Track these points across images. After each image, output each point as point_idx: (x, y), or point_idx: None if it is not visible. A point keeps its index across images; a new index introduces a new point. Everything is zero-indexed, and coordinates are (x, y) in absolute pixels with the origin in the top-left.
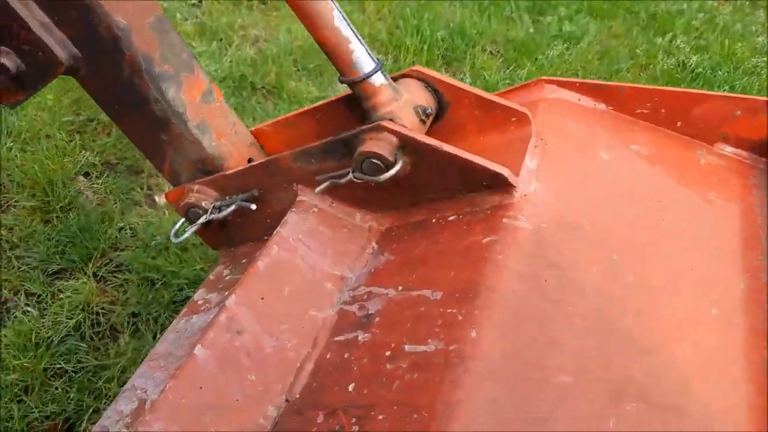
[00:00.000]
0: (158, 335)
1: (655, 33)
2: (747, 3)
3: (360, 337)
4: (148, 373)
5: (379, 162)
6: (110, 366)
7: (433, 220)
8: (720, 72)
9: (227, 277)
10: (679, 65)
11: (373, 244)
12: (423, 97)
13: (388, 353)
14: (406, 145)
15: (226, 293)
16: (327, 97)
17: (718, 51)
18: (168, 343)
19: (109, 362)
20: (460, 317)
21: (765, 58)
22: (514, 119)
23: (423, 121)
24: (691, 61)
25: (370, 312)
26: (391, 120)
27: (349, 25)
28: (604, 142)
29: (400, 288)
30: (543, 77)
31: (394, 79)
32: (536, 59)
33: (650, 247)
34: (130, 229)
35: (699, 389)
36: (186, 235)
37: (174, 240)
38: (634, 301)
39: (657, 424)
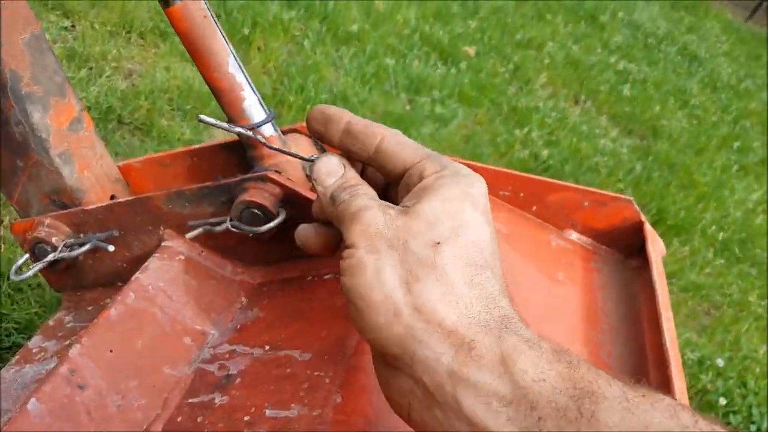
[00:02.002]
0: None
1: (514, 125)
2: (593, 108)
3: (217, 400)
4: None
5: (260, 213)
6: None
7: (309, 278)
8: (567, 166)
9: (69, 325)
10: (532, 156)
11: (243, 298)
12: (311, 154)
13: (246, 418)
14: (291, 198)
15: (67, 342)
16: (201, 141)
17: (567, 147)
18: None
19: None
20: (327, 380)
21: (605, 158)
22: None
23: (309, 177)
24: (543, 154)
25: (230, 372)
26: (277, 172)
27: (243, 72)
28: None
29: (267, 347)
30: None
31: (284, 132)
32: (410, 135)
33: None
34: None
35: None
36: (29, 273)
37: (14, 278)
38: None
39: None
